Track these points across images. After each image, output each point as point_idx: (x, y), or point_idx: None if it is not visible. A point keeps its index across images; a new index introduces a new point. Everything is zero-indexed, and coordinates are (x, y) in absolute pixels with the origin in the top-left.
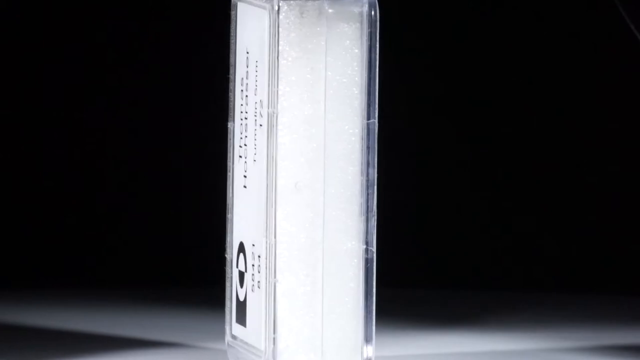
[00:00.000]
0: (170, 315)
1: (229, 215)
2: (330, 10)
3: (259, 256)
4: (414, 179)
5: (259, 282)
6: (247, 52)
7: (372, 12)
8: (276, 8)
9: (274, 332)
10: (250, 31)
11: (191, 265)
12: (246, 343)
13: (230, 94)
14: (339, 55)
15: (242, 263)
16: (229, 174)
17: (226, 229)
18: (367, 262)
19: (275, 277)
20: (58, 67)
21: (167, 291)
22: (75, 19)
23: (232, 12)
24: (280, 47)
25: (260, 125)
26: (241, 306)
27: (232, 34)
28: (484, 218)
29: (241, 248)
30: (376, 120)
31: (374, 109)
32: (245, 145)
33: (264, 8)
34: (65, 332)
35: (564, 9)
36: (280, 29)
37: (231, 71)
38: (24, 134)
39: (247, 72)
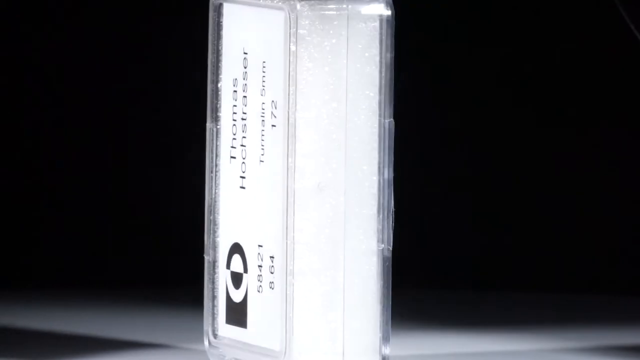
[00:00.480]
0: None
1: (210, 217)
2: (349, 9)
3: (272, 257)
4: (415, 178)
5: (271, 282)
6: (245, 53)
7: (389, 12)
8: (297, 7)
9: (293, 332)
10: (250, 31)
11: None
12: (247, 344)
13: (211, 95)
14: (357, 55)
15: (239, 264)
16: (211, 175)
17: (205, 230)
18: (385, 260)
19: (293, 277)
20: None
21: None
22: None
23: (213, 14)
24: (298, 47)
25: (273, 125)
26: (237, 307)
27: (213, 35)
28: (484, 218)
29: (236, 249)
30: (392, 120)
31: (391, 108)
32: (242, 146)
33: (280, 9)
34: (47, 333)
35: (564, 9)
36: (299, 29)
37: (211, 72)
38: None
39: (245, 72)
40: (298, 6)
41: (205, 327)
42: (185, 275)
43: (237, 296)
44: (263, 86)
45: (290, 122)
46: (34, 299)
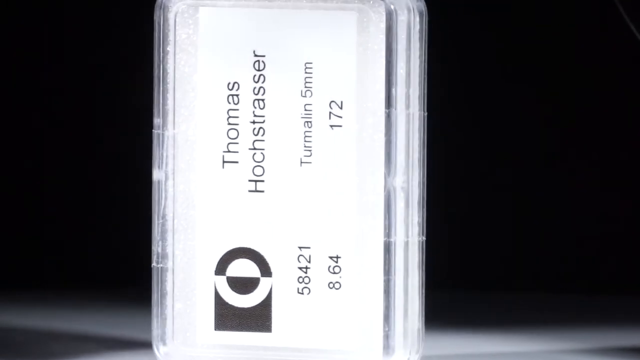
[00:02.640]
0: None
1: (163, 226)
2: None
3: (336, 257)
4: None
5: (334, 282)
6: (260, 55)
7: (423, 7)
8: (392, 9)
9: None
10: (276, 33)
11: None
12: (272, 347)
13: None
14: (411, 50)
15: (248, 269)
16: (164, 182)
17: (157, 238)
18: (422, 254)
19: (388, 274)
20: None
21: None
22: None
23: (195, 16)
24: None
25: (334, 126)
26: (246, 313)
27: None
28: (488, 218)
29: (238, 254)
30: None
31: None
32: (254, 149)
33: (352, 10)
34: (44, 332)
35: (564, 9)
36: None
37: (159, 77)
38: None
39: (261, 75)
40: (391, 7)
41: (155, 334)
42: None
43: (245, 301)
44: (308, 87)
45: (372, 121)
46: (35, 299)
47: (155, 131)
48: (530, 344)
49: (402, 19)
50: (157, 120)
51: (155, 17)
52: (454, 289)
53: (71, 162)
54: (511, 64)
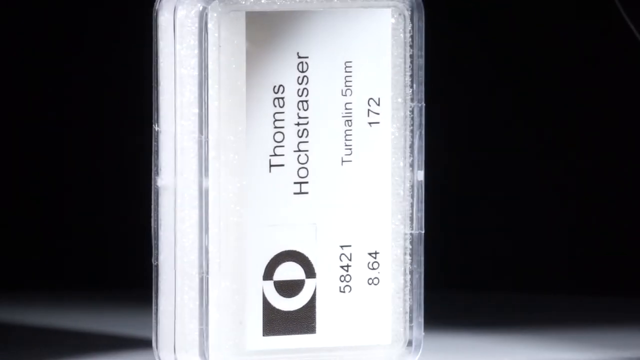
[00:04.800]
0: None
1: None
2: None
3: (375, 253)
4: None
5: (374, 278)
6: (303, 57)
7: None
8: (416, 2)
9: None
10: (318, 35)
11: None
12: (315, 349)
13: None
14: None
15: (294, 271)
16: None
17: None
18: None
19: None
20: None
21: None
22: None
23: (240, 20)
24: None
25: (372, 123)
26: (292, 316)
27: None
28: (491, 220)
29: (285, 257)
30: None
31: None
32: (299, 151)
33: (387, 7)
34: (54, 330)
35: (563, 9)
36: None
37: (198, 85)
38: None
39: (305, 76)
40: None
41: (202, 346)
42: None
43: (291, 304)
44: (348, 86)
45: (405, 115)
46: (38, 299)
47: (199, 137)
48: (530, 344)
49: (419, 15)
50: (199, 126)
51: (199, 23)
52: (450, 289)
53: (93, 164)
54: (510, 61)
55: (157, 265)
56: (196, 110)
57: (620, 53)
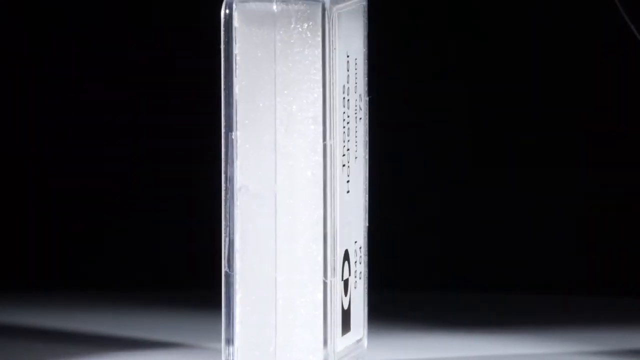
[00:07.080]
0: (170, 316)
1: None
2: None
3: (361, 247)
4: (413, 178)
5: (360, 272)
6: (348, 56)
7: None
8: None
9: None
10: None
11: (188, 268)
12: (349, 346)
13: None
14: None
15: (347, 270)
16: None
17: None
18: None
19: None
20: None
21: (165, 293)
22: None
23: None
24: None
25: (360, 118)
26: (346, 314)
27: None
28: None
29: (345, 257)
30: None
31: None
32: (348, 150)
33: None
34: (63, 333)
35: (563, 9)
36: None
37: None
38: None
39: (348, 75)
40: None
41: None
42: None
43: (347, 302)
44: (356, 83)
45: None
46: (43, 299)
47: (323, 143)
48: (529, 344)
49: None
50: (323, 134)
51: (275, 28)
52: (450, 290)
53: (94, 164)
54: (507, 59)
55: (229, 273)
56: (310, 114)
57: (620, 53)
